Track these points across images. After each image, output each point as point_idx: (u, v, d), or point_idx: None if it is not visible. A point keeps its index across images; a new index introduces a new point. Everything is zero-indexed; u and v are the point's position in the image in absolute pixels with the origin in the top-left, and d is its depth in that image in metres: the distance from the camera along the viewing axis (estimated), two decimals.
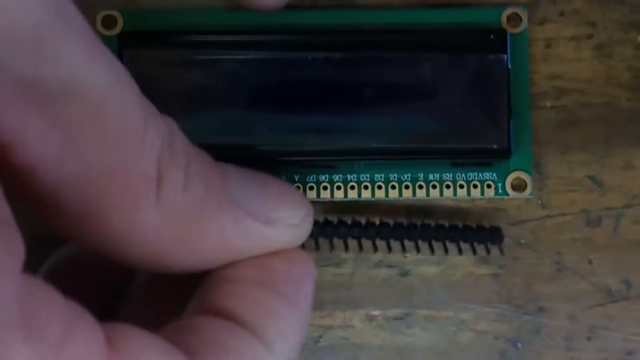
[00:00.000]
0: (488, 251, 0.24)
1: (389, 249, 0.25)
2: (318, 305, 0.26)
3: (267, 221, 0.19)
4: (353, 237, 0.24)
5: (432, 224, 0.24)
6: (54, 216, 0.16)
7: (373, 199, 0.25)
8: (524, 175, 0.24)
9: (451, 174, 0.24)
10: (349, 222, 0.24)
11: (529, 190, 0.25)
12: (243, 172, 0.19)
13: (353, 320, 0.26)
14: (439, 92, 0.23)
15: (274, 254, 0.19)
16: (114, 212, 0.16)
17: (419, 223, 0.24)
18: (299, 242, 0.20)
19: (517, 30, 0.24)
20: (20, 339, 0.12)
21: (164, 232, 0.17)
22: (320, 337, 0.26)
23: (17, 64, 0.14)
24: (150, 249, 0.17)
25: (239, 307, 0.18)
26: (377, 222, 0.24)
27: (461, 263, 0.26)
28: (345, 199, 0.25)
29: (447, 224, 0.24)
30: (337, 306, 0.26)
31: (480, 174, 0.24)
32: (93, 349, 0.14)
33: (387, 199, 0.25)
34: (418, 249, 0.25)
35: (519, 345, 0.26)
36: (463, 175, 0.24)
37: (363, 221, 0.24)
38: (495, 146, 0.23)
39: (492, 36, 0.23)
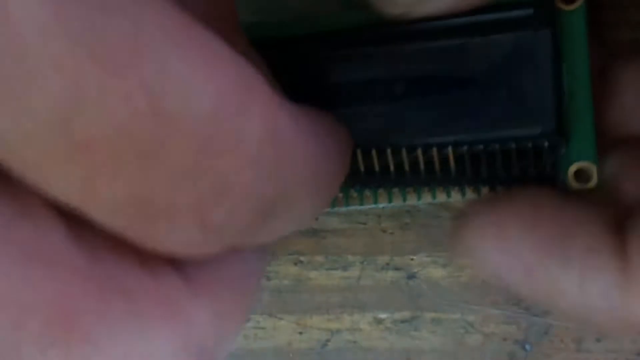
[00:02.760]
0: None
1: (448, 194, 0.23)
2: (325, 308, 0.26)
3: None
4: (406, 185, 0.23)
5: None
6: None
7: (418, 201, 0.23)
8: (586, 164, 0.22)
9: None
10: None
11: (594, 179, 0.22)
12: None
13: (360, 323, 0.26)
14: (475, 81, 0.21)
15: None
16: None
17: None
18: None
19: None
20: None
21: None
22: (328, 340, 0.26)
23: None
24: None
25: None
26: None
27: (468, 265, 0.25)
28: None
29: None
30: (344, 309, 0.26)
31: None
32: None
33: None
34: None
35: (528, 346, 0.25)
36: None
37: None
38: (540, 130, 0.21)
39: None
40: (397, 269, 0.26)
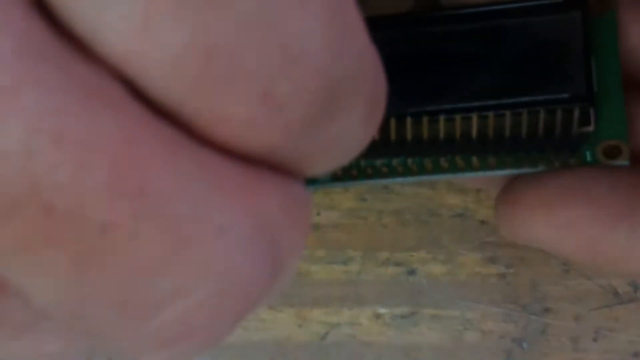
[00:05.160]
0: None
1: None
2: (325, 302, 0.26)
3: None
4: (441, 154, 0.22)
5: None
6: None
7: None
8: (616, 142, 0.23)
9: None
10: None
11: (626, 155, 0.22)
12: None
13: (360, 317, 0.26)
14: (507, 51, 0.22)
15: None
16: None
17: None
18: None
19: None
20: None
21: None
22: (327, 334, 0.26)
23: None
24: None
25: None
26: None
27: (468, 262, 0.26)
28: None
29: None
30: (344, 303, 0.26)
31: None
32: None
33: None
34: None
35: (525, 345, 0.26)
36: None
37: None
38: (572, 91, 0.21)
39: None
40: (397, 264, 0.26)
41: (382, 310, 0.26)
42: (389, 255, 0.26)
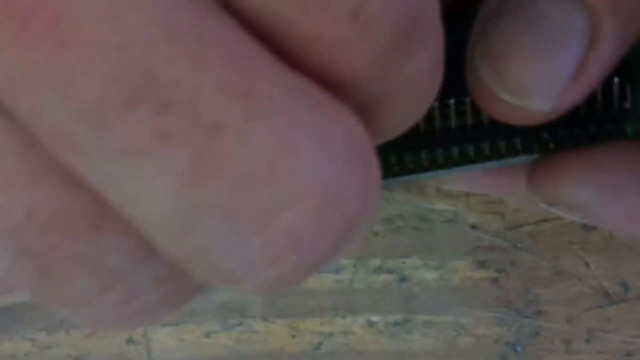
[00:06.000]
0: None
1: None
2: (318, 312, 0.26)
3: None
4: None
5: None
6: None
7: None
8: None
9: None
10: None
11: None
12: None
13: (353, 326, 0.26)
14: None
15: None
16: None
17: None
18: None
19: None
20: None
21: None
22: (321, 344, 0.26)
23: None
24: None
25: None
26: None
27: (459, 268, 0.26)
28: None
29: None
30: (337, 313, 0.26)
31: None
32: None
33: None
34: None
35: (519, 348, 0.26)
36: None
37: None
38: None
39: None
40: (389, 272, 0.26)
41: (375, 318, 0.26)
42: (380, 263, 0.26)
